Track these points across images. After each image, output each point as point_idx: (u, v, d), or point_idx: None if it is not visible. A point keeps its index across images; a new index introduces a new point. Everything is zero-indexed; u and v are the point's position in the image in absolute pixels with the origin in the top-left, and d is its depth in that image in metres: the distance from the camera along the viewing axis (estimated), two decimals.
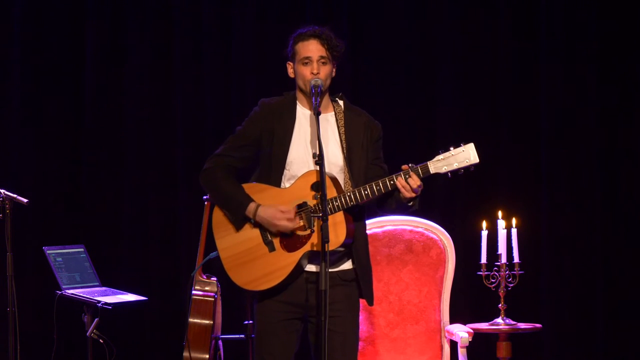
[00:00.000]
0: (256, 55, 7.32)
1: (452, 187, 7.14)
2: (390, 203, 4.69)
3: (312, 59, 4.69)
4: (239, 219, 4.69)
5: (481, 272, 6.32)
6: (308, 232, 4.62)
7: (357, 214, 4.70)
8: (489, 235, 6.33)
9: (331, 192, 4.58)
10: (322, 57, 4.70)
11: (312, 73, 4.68)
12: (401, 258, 6.22)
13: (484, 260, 6.32)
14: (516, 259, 6.32)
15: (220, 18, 7.37)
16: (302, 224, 4.63)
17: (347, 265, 4.72)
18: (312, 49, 4.69)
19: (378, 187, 4.58)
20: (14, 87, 7.32)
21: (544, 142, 7.25)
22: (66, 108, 7.38)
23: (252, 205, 4.66)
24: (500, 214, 6.36)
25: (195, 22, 7.39)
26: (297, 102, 4.79)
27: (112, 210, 7.34)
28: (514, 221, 6.36)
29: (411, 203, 4.62)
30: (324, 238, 4.42)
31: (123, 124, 7.38)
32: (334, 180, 4.63)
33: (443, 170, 4.59)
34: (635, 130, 7.22)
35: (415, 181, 4.55)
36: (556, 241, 7.20)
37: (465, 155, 4.59)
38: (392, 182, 4.57)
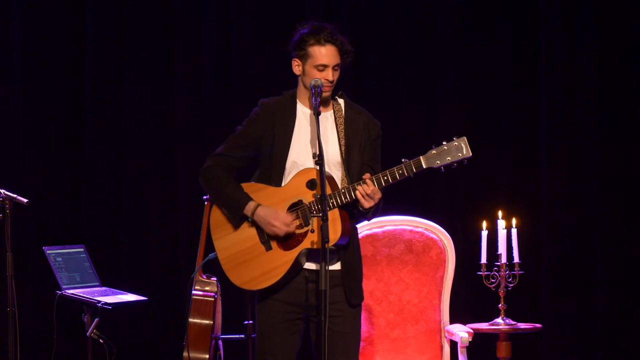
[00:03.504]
0: (256, 54, 7.32)
1: (452, 187, 7.14)
2: (354, 209, 4.67)
3: (329, 67, 4.67)
4: (237, 218, 4.69)
5: (481, 272, 6.31)
6: (305, 230, 4.62)
7: (351, 213, 4.69)
8: (489, 235, 6.33)
9: (327, 190, 4.58)
10: (337, 64, 4.69)
11: (327, 80, 4.66)
12: (401, 258, 6.22)
13: (484, 260, 6.32)
14: (516, 259, 6.32)
15: (220, 17, 7.37)
16: (298, 222, 4.64)
17: (337, 265, 4.72)
18: (329, 55, 4.65)
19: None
20: (14, 87, 7.32)
21: (543, 142, 7.25)
22: (66, 108, 7.38)
23: (251, 204, 4.66)
24: (500, 214, 6.36)
25: (195, 20, 7.39)
26: (297, 100, 4.79)
27: (112, 210, 7.34)
28: (514, 221, 6.36)
29: (369, 212, 4.61)
30: (324, 238, 4.43)
31: (123, 124, 7.39)
32: (330, 178, 4.63)
33: (436, 164, 4.59)
34: (635, 131, 7.22)
35: (368, 187, 4.54)
36: (556, 241, 7.20)
37: (458, 149, 4.59)
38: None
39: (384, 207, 4.75)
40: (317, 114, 4.60)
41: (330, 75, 4.66)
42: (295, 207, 4.64)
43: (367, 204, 4.56)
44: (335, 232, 4.56)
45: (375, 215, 4.70)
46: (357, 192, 4.55)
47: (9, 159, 7.26)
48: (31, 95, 7.32)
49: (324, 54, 4.66)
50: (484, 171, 7.11)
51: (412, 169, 4.58)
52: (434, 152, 4.60)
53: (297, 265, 4.64)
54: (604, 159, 7.22)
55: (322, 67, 4.66)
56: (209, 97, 7.37)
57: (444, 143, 4.60)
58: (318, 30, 4.68)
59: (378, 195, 4.57)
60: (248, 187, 4.73)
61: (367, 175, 4.58)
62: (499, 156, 7.23)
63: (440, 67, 7.31)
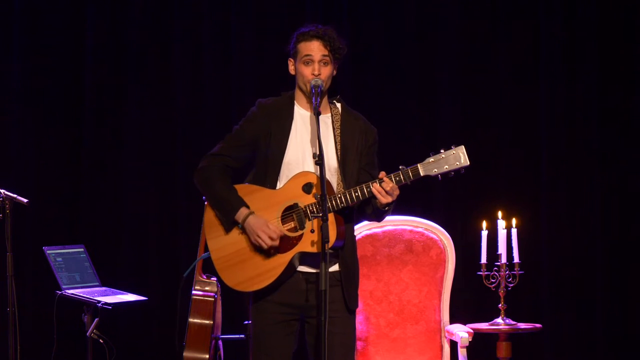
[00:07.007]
0: (256, 55, 7.32)
1: (452, 187, 7.14)
2: (367, 209, 4.70)
3: (313, 60, 4.68)
4: (229, 222, 4.68)
5: (481, 272, 6.32)
6: (299, 233, 4.61)
7: (347, 217, 4.69)
8: (489, 235, 6.33)
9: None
10: (324, 57, 4.68)
11: (313, 74, 4.67)
12: (401, 258, 6.22)
13: (484, 260, 6.32)
14: (516, 259, 6.32)
15: (220, 18, 7.37)
16: (292, 225, 4.63)
17: (335, 267, 4.71)
18: (314, 49, 4.67)
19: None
20: (14, 87, 7.32)
21: (544, 142, 7.25)
22: (66, 108, 7.38)
23: (243, 210, 4.65)
24: (500, 214, 6.36)
25: (196, 21, 7.39)
26: (295, 101, 4.78)
27: (112, 210, 7.34)
28: (514, 221, 6.37)
29: (386, 208, 4.63)
30: (324, 238, 4.42)
31: (123, 124, 7.39)
32: (326, 182, 4.62)
33: (433, 172, 4.58)
34: (635, 131, 7.22)
35: (387, 184, 4.55)
36: (556, 241, 7.20)
37: (456, 157, 4.58)
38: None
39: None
40: (317, 114, 4.59)
41: (316, 69, 4.66)
42: (291, 210, 4.63)
43: (384, 200, 4.56)
44: (331, 235, 4.55)
45: (388, 214, 4.70)
46: (374, 189, 4.55)
47: (9, 159, 7.26)
48: (31, 95, 7.32)
49: (310, 47, 4.67)
50: (484, 171, 7.11)
51: (410, 176, 4.58)
52: (432, 160, 4.59)
53: (291, 268, 4.63)
54: (604, 159, 7.22)
55: (308, 60, 4.67)
56: (209, 97, 7.36)
57: (442, 151, 4.59)
58: (308, 29, 4.72)
59: (397, 191, 4.58)
60: (243, 188, 4.72)
61: (382, 174, 4.58)
62: (499, 156, 7.23)
63: (440, 67, 7.31)
